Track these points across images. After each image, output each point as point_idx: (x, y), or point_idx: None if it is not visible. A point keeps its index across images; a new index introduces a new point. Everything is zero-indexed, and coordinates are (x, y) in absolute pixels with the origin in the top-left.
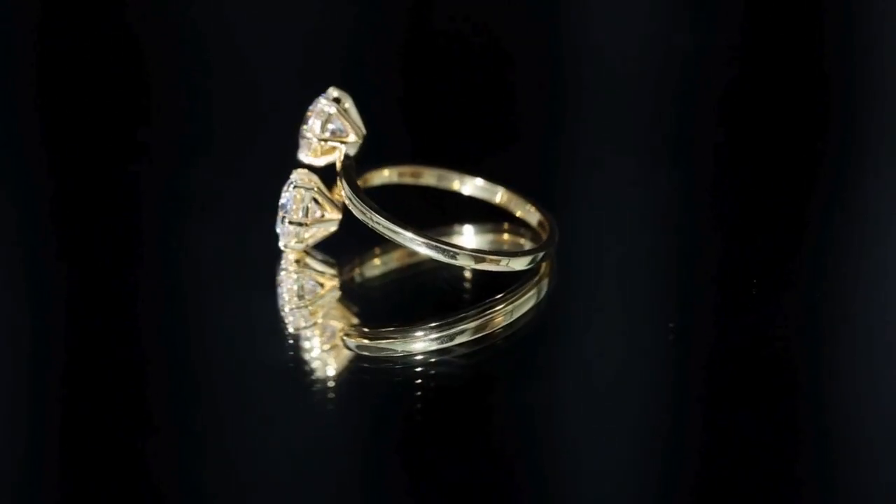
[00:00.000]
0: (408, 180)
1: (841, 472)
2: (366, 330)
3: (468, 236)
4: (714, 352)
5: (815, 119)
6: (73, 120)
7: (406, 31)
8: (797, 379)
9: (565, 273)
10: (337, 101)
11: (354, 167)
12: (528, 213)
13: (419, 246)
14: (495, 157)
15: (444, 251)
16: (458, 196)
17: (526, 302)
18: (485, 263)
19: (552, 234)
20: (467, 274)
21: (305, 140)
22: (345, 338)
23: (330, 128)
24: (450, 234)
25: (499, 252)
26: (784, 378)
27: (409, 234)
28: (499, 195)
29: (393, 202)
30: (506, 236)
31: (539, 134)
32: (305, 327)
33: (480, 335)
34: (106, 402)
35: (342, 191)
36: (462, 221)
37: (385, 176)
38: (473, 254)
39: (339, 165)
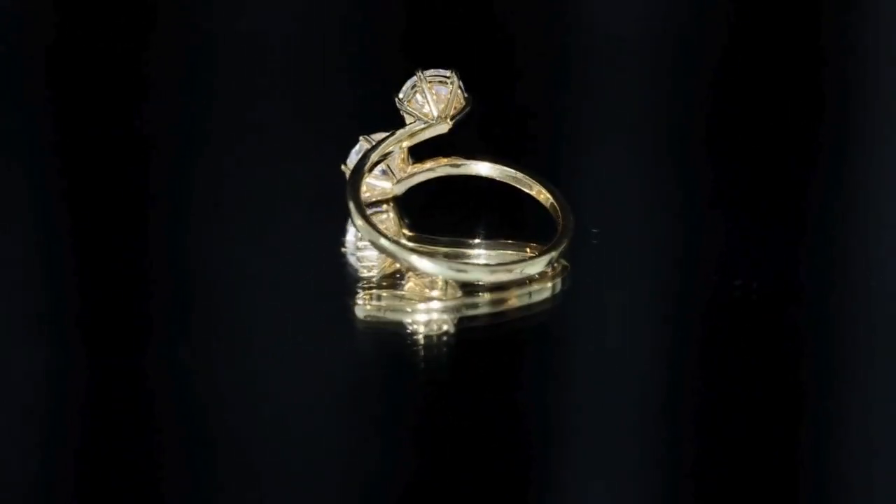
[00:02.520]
0: (425, 174)
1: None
2: (370, 295)
3: (481, 247)
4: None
5: (820, 106)
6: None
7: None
8: (810, 374)
9: (584, 261)
10: (439, 78)
11: (363, 177)
12: (541, 196)
13: (423, 263)
14: (501, 146)
15: (452, 268)
16: (469, 183)
17: (543, 290)
18: (499, 274)
19: (565, 229)
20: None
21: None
22: (357, 301)
23: (412, 98)
24: (459, 244)
25: (512, 261)
26: (795, 374)
27: (415, 257)
28: (512, 176)
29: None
30: (526, 250)
31: (548, 121)
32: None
33: (495, 311)
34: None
35: (349, 211)
36: (472, 226)
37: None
38: (483, 266)
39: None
